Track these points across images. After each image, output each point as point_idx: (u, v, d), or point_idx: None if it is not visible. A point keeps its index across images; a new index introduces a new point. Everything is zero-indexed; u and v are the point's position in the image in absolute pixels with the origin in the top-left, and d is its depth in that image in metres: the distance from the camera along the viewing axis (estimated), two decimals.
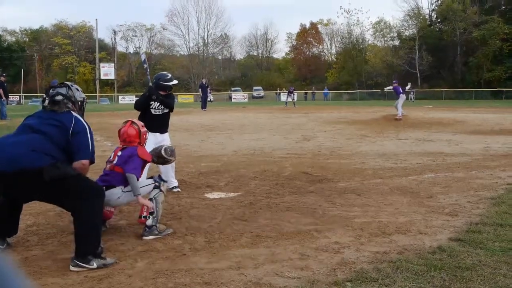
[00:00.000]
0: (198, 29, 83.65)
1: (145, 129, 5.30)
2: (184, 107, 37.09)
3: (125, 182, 4.78)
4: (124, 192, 4.80)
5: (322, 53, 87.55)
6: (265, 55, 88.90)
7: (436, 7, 73.13)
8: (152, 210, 4.88)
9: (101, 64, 69.77)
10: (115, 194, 4.76)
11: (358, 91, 66.15)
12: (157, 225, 4.89)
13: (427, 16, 74.72)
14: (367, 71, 72.92)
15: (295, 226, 5.15)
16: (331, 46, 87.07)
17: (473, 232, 4.76)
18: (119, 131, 5.18)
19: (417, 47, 67.54)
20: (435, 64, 66.31)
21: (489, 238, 4.54)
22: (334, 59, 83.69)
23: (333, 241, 4.58)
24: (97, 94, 65.19)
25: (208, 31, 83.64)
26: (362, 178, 7.94)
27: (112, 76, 71.56)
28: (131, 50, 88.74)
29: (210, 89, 50.56)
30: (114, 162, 4.94)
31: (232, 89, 72.99)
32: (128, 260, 4.18)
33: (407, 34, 73.04)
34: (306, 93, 65.14)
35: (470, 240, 4.50)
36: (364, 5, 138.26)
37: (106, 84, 78.55)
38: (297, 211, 5.82)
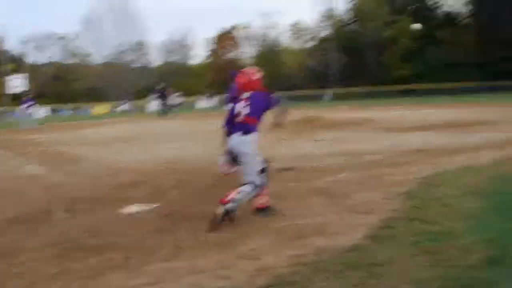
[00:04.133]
0: (113, 37, 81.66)
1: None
2: (97, 119, 36.03)
3: None
4: None
5: (239, 57, 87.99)
6: (183, 61, 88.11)
7: (350, 8, 75.38)
8: (240, 198, 5.47)
9: (10, 77, 66.43)
10: None
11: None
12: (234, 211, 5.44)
13: (341, 17, 76.85)
14: (284, 73, 73.99)
15: (216, 235, 5.11)
16: (248, 50, 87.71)
17: (387, 228, 4.92)
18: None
19: (332, 48, 69.34)
20: (349, 64, 68.28)
21: (402, 233, 4.71)
22: (252, 63, 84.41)
23: (251, 247, 4.60)
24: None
25: (124, 38, 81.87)
26: (281, 182, 8.00)
27: (23, 89, 68.27)
28: (44, 60, 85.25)
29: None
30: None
31: (150, 97, 71.65)
32: (41, 284, 4.00)
33: (322, 35, 74.78)
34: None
35: (384, 236, 4.65)
36: (281, 8, 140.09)
37: (19, 97, 74.87)
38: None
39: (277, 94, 6.49)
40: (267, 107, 5.93)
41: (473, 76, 58.08)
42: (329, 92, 60.81)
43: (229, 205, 5.39)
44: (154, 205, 6.64)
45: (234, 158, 5.88)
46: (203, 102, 51.01)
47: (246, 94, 5.95)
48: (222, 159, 6.14)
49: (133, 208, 6.57)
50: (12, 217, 6.34)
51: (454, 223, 4.94)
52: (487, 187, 6.59)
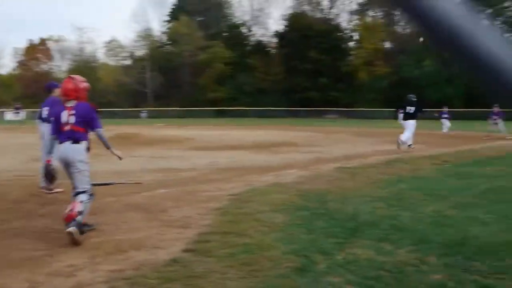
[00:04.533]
0: None
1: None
2: None
3: None
4: None
5: (52, 70, 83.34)
6: None
7: (166, 30, 76.09)
8: (83, 210, 5.27)
9: None
10: None
11: None
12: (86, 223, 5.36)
13: (157, 38, 77.21)
14: (99, 89, 71.83)
15: (25, 252, 4.81)
16: (62, 63, 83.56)
17: (203, 242, 5.06)
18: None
19: (148, 67, 69.24)
20: (165, 84, 68.85)
21: (217, 246, 4.89)
22: (66, 77, 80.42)
23: (66, 264, 4.41)
24: None
25: None
26: (96, 197, 7.79)
27: None
28: None
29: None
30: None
31: None
32: None
33: (138, 54, 74.28)
34: (34, 112, 61.17)
35: (201, 249, 4.78)
36: (96, 24, 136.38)
37: None
38: (27, 236, 5.44)
39: (98, 113, 6.39)
40: (90, 121, 5.83)
41: (280, 101, 62.85)
42: (145, 110, 60.55)
43: (78, 219, 5.23)
44: None
45: (65, 167, 5.71)
46: (10, 115, 47.21)
47: (71, 103, 5.78)
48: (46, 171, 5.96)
49: None
50: None
51: (265, 236, 5.27)
52: (291, 203, 7.11)
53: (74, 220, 5.18)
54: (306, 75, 62.16)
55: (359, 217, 6.24)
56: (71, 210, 5.29)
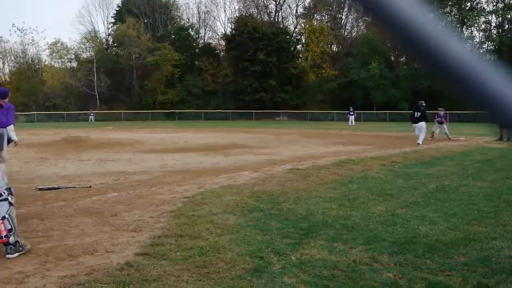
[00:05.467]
0: None
1: None
2: None
3: None
4: None
5: None
6: None
7: (112, 32, 74.91)
8: (10, 227, 4.77)
9: None
10: None
11: (36, 112, 62.90)
12: (19, 240, 4.80)
13: (104, 40, 75.92)
14: (44, 92, 70.02)
15: None
16: (3, 66, 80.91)
17: (156, 245, 5.00)
18: None
19: (95, 70, 67.96)
20: (113, 86, 67.75)
21: (171, 249, 4.84)
22: (8, 79, 77.96)
23: (16, 271, 4.27)
24: None
25: None
26: (44, 202, 7.61)
27: None
28: None
29: None
30: None
31: None
32: None
33: (85, 56, 72.78)
34: None
35: (155, 253, 4.73)
36: (40, 25, 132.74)
37: None
38: None
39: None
40: None
41: (230, 103, 63.11)
42: (93, 113, 59.42)
43: (11, 240, 4.77)
44: None
45: None
46: None
47: None
48: None
49: None
50: None
51: (219, 238, 5.25)
52: (245, 205, 7.12)
53: (8, 244, 4.76)
54: (255, 77, 62.50)
55: (312, 217, 6.31)
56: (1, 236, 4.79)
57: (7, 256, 4.68)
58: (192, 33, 74.69)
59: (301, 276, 4.13)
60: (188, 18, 76.92)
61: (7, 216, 4.85)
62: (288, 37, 67.98)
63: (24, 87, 69.63)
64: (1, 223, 4.82)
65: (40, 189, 8.82)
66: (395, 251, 4.81)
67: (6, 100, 8.23)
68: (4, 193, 4.97)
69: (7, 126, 7.39)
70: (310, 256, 4.65)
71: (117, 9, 75.34)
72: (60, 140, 20.88)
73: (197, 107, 63.59)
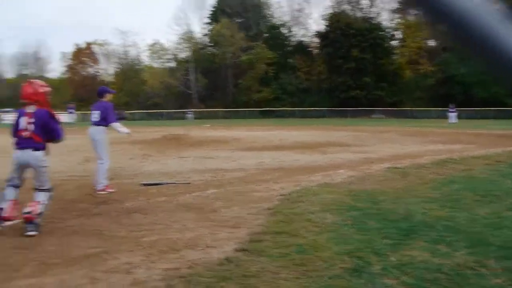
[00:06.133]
0: None
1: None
2: None
3: None
4: None
5: (98, 73, 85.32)
6: (38, 74, 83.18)
7: (207, 32, 76.74)
8: (41, 212, 5.71)
9: None
10: None
11: (137, 111, 65.82)
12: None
13: (199, 40, 77.93)
14: (145, 91, 73.12)
15: (83, 250, 4.93)
16: (108, 67, 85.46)
17: (255, 241, 5.06)
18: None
19: (192, 69, 70.02)
20: (209, 85, 69.50)
21: (269, 246, 4.88)
22: (113, 80, 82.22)
23: (123, 261, 4.50)
24: None
25: None
26: (148, 197, 7.95)
27: None
28: None
29: None
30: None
31: (2, 110, 66.58)
32: None
33: (182, 56, 75.08)
34: (85, 114, 62.69)
35: (253, 249, 4.79)
36: (140, 27, 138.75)
37: None
38: (83, 234, 5.58)
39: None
40: (51, 132, 6.00)
41: (324, 101, 62.58)
42: (191, 111, 61.36)
43: (37, 221, 5.67)
44: (14, 221, 6.23)
45: (22, 168, 6.02)
46: (63, 116, 48.94)
47: (30, 108, 5.94)
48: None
49: None
50: None
51: (317, 236, 5.23)
52: (342, 203, 7.04)
53: (32, 222, 5.59)
54: (349, 74, 61.63)
55: (412, 218, 6.12)
56: (30, 212, 5.60)
57: (27, 233, 5.51)
58: (284, 31, 74.92)
59: (402, 278, 4.02)
60: (281, 16, 77.25)
61: (44, 202, 5.82)
62: (382, 32, 66.33)
63: (126, 87, 73.15)
64: (37, 204, 5.76)
65: (144, 185, 9.23)
66: (503, 256, 4.55)
67: (106, 99, 8.74)
68: (51, 186, 5.96)
69: (110, 123, 8.03)
70: (411, 258, 4.51)
71: (212, 9, 77.09)
72: (160, 138, 21.69)
73: (291, 105, 63.75)
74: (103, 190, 8.36)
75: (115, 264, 4.43)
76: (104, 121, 8.65)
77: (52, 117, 5.97)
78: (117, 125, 8.70)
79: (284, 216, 6.27)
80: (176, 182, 9.53)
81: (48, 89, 6.15)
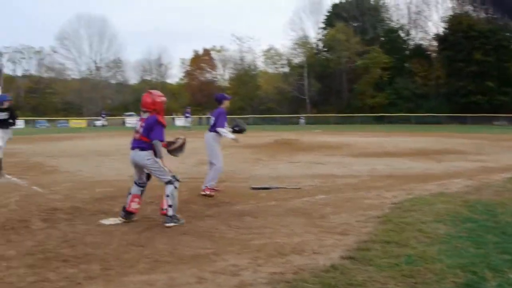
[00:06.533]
0: (90, 53, 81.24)
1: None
2: (75, 132, 35.78)
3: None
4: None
5: (215, 79, 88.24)
6: (159, 80, 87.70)
7: (322, 37, 76.64)
8: (171, 203, 6.29)
9: None
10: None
11: (251, 116, 67.21)
12: (176, 215, 6.39)
13: (314, 45, 78.02)
14: (259, 96, 74.53)
15: (193, 250, 5.13)
16: (224, 72, 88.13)
17: (363, 250, 4.99)
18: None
19: (305, 74, 70.29)
20: (323, 90, 69.36)
21: (378, 255, 4.78)
22: (228, 85, 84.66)
23: (230, 263, 4.62)
24: None
25: (101, 55, 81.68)
26: (258, 201, 8.09)
27: None
28: (19, 73, 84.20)
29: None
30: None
31: (126, 114, 71.22)
32: None
33: (296, 61, 75.57)
34: (201, 118, 65.23)
35: (361, 257, 4.72)
36: (255, 33, 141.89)
37: None
38: (194, 235, 5.80)
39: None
40: (150, 132, 6.39)
41: (442, 106, 59.83)
42: (303, 116, 61.60)
43: (169, 213, 6.31)
44: (131, 219, 6.63)
45: (136, 167, 6.61)
46: (181, 121, 51.41)
47: (145, 115, 6.51)
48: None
49: (110, 221, 6.54)
50: None
51: (428, 248, 5.05)
52: (457, 214, 6.73)
53: (166, 215, 6.31)
54: (470, 78, 58.57)
55: None
56: (162, 208, 6.43)
57: (165, 224, 6.25)
58: (402, 34, 72.97)
59: None
60: (398, 19, 75.30)
61: (169, 195, 6.29)
62: (508, 34, 62.30)
63: (241, 92, 74.92)
64: (165, 200, 6.34)
65: (253, 189, 9.41)
66: None
67: (223, 106, 9.06)
68: (170, 179, 6.35)
69: (217, 128, 8.74)
70: None
71: (327, 14, 76.87)
72: (272, 143, 21.97)
73: (407, 110, 61.84)
74: (208, 191, 8.65)
75: (222, 266, 4.57)
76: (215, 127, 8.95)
77: (158, 122, 6.41)
78: (223, 130, 8.95)
79: (394, 225, 6.12)
80: (285, 186, 9.62)
81: (164, 99, 6.64)
